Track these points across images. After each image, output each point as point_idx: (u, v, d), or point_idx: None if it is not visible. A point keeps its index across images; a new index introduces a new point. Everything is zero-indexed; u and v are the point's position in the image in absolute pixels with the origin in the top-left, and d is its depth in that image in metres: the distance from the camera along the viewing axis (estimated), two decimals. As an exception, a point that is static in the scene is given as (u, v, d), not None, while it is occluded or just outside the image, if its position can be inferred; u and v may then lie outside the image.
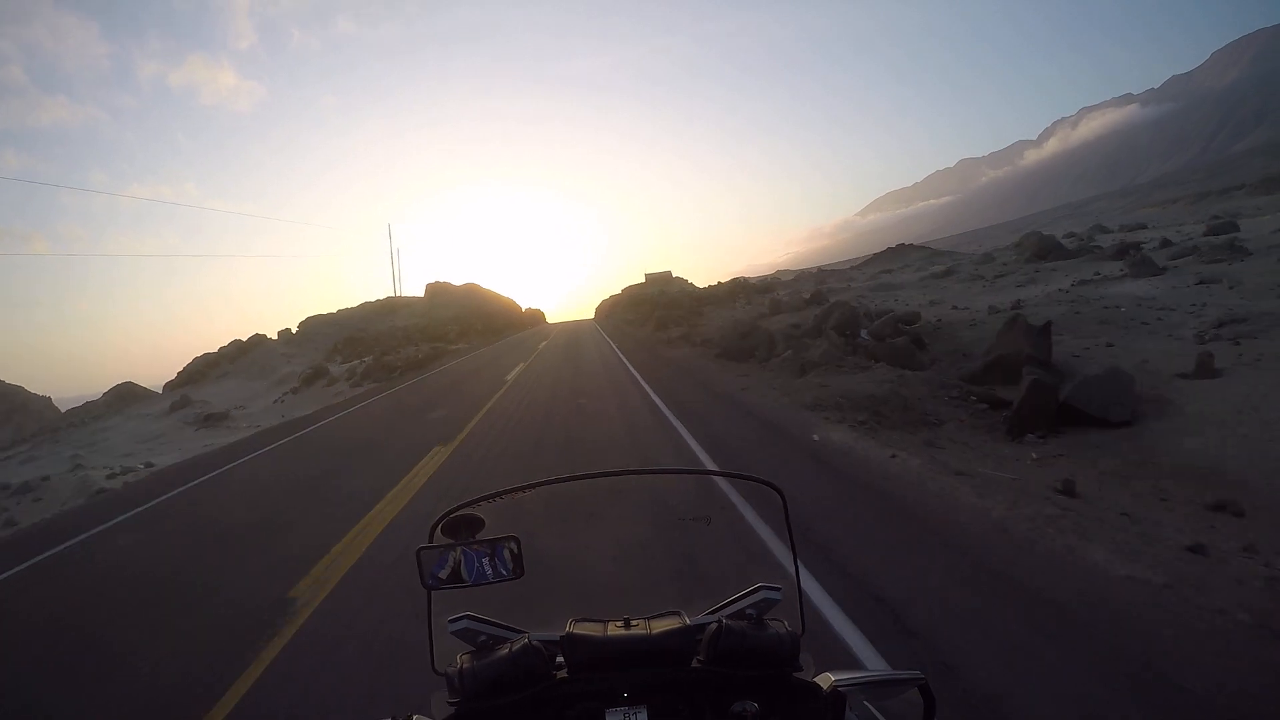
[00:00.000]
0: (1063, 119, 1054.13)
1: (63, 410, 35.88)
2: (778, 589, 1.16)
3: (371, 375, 24.82)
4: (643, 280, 72.91)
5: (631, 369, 14.75)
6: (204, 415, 21.09)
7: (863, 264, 52.38)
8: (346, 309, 58.13)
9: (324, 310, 69.97)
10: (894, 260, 46.35)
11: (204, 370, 38.69)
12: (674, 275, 72.60)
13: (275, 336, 46.68)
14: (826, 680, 1.04)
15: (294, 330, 49.47)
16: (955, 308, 15.92)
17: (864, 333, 10.32)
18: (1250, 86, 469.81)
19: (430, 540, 1.16)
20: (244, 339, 43.63)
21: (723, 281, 47.18)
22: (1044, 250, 24.33)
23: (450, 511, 1.16)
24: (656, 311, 34.02)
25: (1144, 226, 39.52)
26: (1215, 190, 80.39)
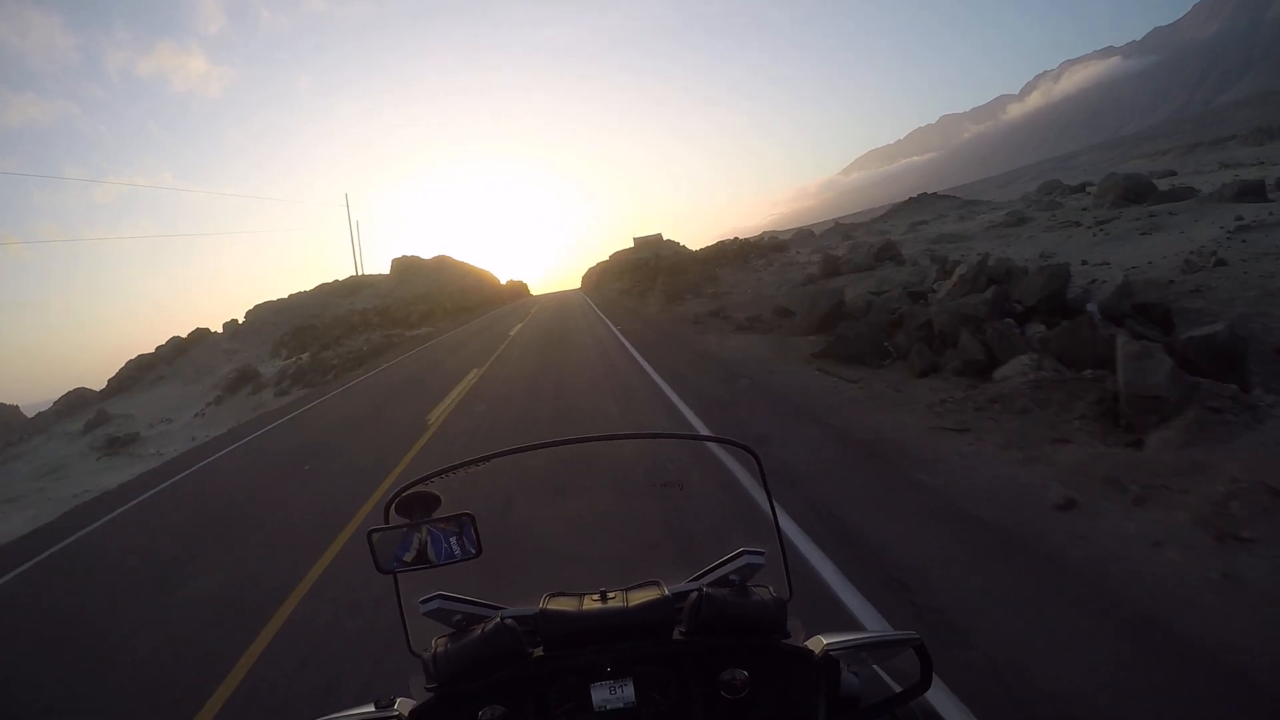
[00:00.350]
0: (1044, 72, 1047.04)
1: (30, 417, 31.04)
2: (760, 553, 1.11)
3: (304, 378, 19.51)
4: (630, 245, 66.42)
5: (676, 399, 7.15)
6: (111, 438, 16.96)
7: (887, 215, 46.95)
8: (299, 293, 50.08)
9: (279, 295, 59.20)
10: (924, 210, 41.75)
11: (137, 375, 33.33)
12: (665, 238, 66.55)
13: (220, 329, 39.91)
14: (818, 644, 1.00)
15: (241, 321, 42.22)
16: (1088, 263, 11.92)
17: (1093, 307, 6.13)
18: (1234, 38, 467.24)
19: (386, 521, 1.08)
20: (185, 335, 37.64)
21: (725, 241, 39.91)
22: (1134, 193, 20.46)
23: (403, 489, 1.10)
24: (660, 279, 28.12)
25: (1173, 173, 36.19)
26: (1206, 141, 77.21)
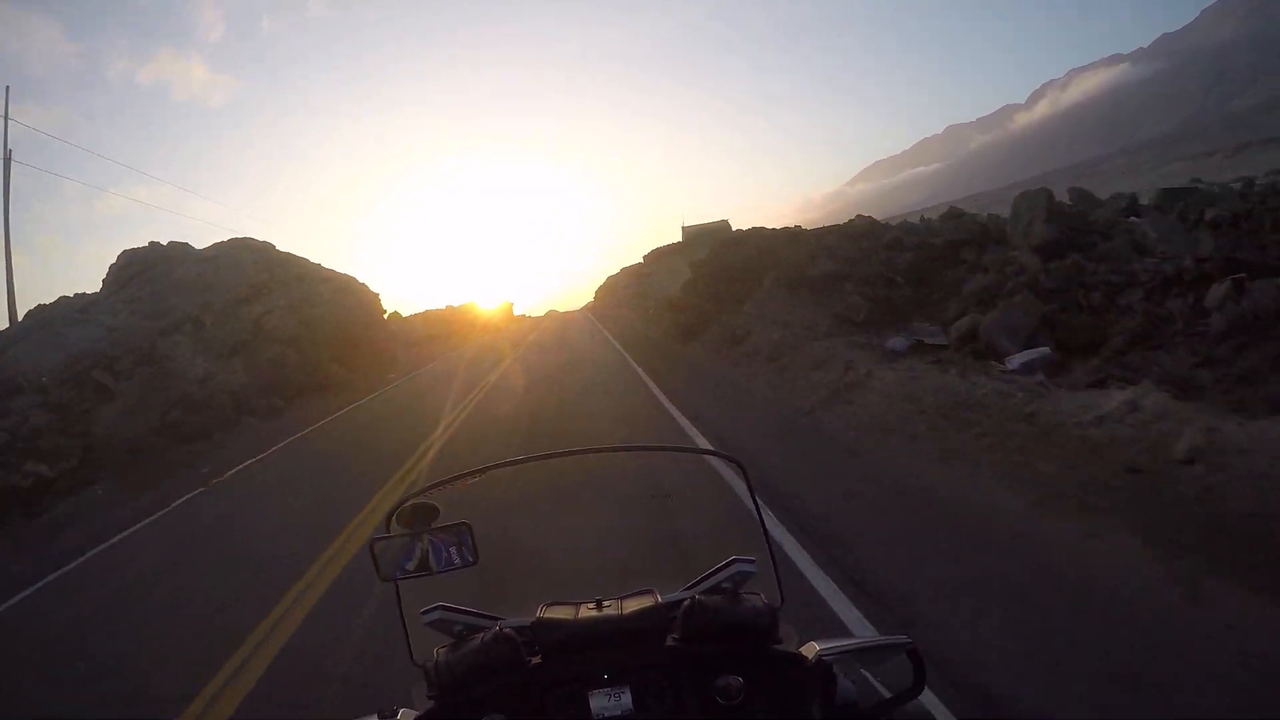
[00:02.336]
0: (1051, 81, 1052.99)
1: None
2: (751, 561, 1.14)
3: None
4: (664, 244, 54.84)
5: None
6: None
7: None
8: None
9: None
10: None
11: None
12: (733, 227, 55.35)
13: None
14: (811, 650, 1.04)
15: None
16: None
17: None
18: (1243, 44, 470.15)
19: (387, 530, 1.15)
20: None
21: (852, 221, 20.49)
22: None
23: (403, 500, 1.17)
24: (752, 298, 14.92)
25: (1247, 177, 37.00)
26: (1255, 141, 78.42)
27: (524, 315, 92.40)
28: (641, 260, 59.77)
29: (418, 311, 51.83)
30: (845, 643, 1.06)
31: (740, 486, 4.09)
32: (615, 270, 67.86)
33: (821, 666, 1.01)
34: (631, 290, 47.83)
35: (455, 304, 58.78)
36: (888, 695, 1.04)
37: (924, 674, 0.99)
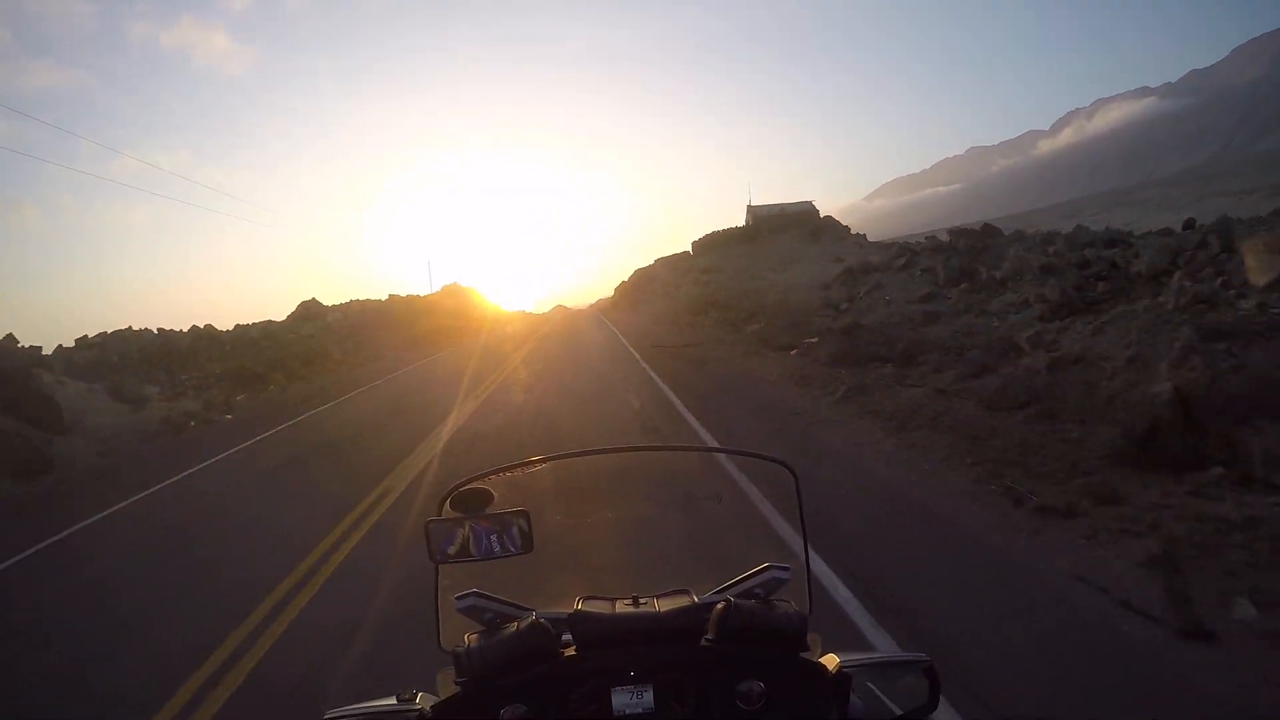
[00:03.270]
0: (1077, 109, 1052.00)
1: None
2: (786, 568, 1.20)
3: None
4: (684, 251, 46.10)
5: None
6: None
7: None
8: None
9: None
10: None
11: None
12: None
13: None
14: (832, 661, 1.07)
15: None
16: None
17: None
18: (1272, 84, 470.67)
19: (440, 514, 1.20)
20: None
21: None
22: None
23: (459, 485, 1.21)
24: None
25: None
26: None
27: (526, 313, 78.32)
28: (689, 251, 50.06)
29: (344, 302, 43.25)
30: (865, 657, 1.10)
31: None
32: (647, 262, 58.48)
33: (841, 678, 1.05)
34: (679, 290, 36.35)
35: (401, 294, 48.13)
36: (898, 712, 1.08)
37: (938, 691, 1.03)
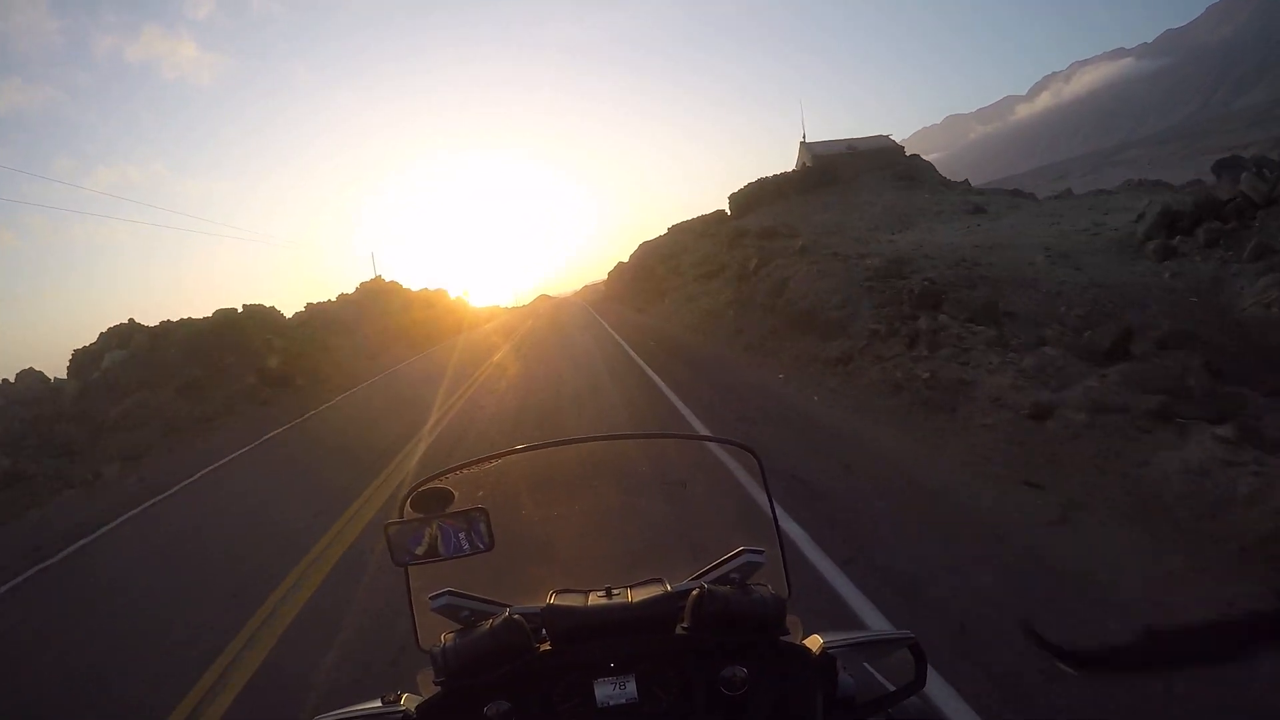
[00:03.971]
0: (1054, 73, 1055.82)
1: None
2: (760, 552, 1.17)
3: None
4: (716, 210, 33.32)
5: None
6: None
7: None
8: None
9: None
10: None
11: None
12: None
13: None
14: (816, 643, 1.06)
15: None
16: None
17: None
18: (1249, 40, 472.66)
19: (400, 515, 1.16)
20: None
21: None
22: None
23: (418, 485, 1.18)
24: None
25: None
26: None
27: (503, 308, 68.37)
28: (727, 210, 36.42)
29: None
30: (849, 636, 1.08)
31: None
32: (649, 234, 41.91)
33: (825, 659, 1.03)
34: (726, 271, 19.64)
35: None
36: (890, 689, 1.06)
37: (925, 669, 1.01)
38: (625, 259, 45.65)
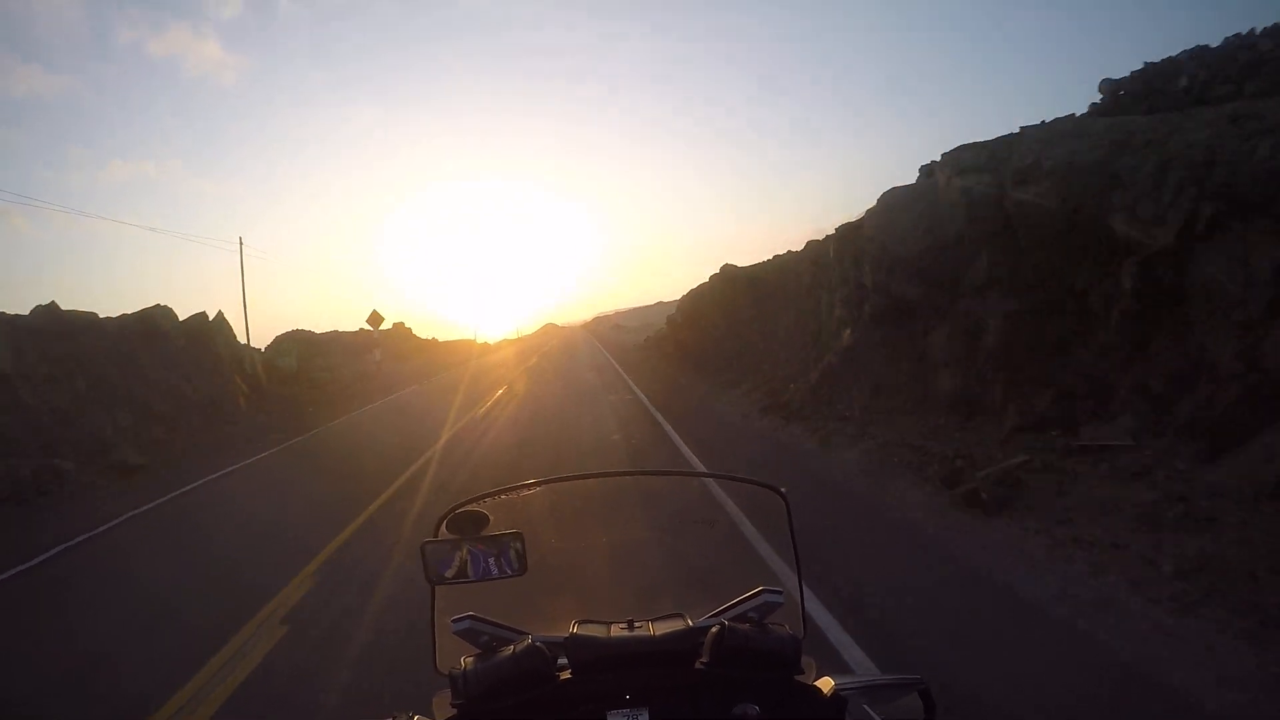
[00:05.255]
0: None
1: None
2: (779, 592, 1.19)
3: None
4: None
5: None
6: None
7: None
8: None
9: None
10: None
11: None
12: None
13: None
14: (827, 684, 1.07)
15: None
16: None
17: None
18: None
19: (435, 535, 1.20)
20: None
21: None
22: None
23: (456, 507, 1.21)
24: None
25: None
26: None
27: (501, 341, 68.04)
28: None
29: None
30: (860, 679, 1.12)
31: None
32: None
33: (836, 701, 1.05)
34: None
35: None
36: None
37: (934, 713, 1.04)
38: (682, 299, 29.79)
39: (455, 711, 1.06)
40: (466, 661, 1.10)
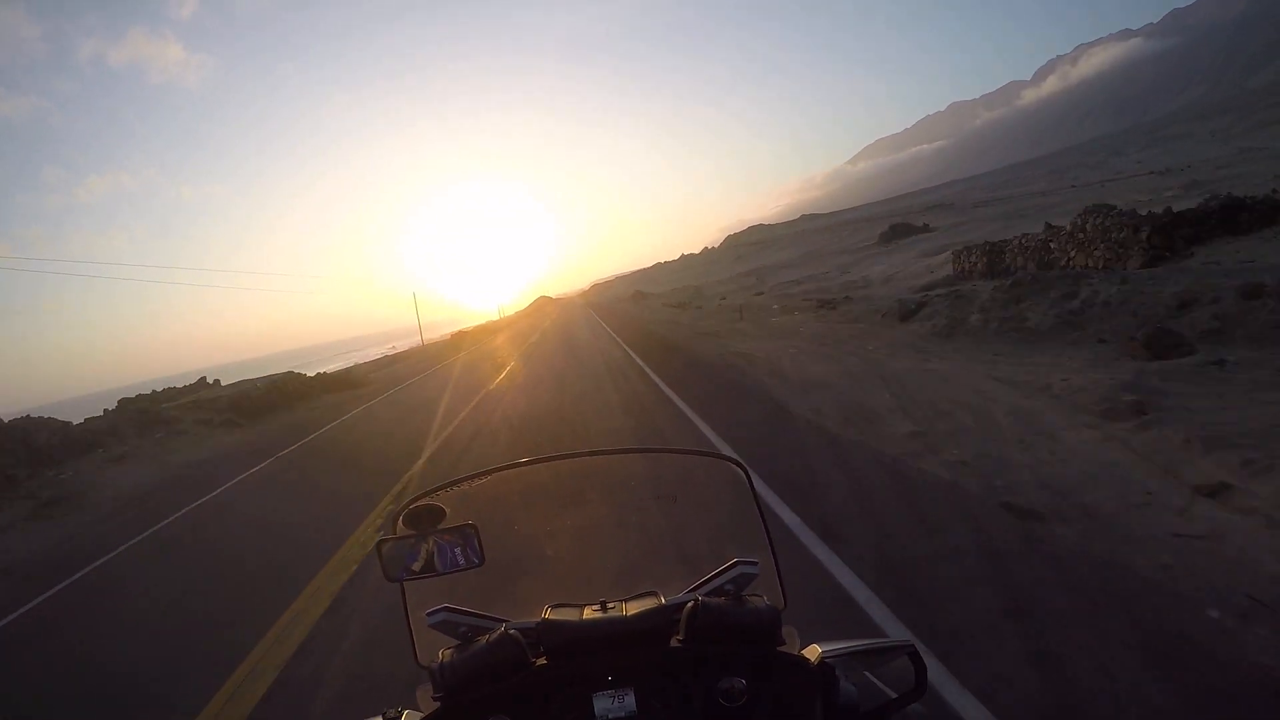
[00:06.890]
0: (1059, 56, 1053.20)
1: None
2: (754, 563, 1.20)
3: None
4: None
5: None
6: None
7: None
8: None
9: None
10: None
11: None
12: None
13: None
14: (814, 652, 1.08)
15: None
16: None
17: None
18: (1256, 19, 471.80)
19: (394, 532, 1.21)
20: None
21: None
22: None
23: (412, 501, 1.23)
24: None
25: None
26: None
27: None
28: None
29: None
30: (847, 645, 1.10)
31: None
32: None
33: (824, 669, 1.06)
34: None
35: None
36: (891, 696, 1.09)
37: (925, 676, 1.05)
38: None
39: (438, 704, 1.07)
40: (445, 653, 1.11)
